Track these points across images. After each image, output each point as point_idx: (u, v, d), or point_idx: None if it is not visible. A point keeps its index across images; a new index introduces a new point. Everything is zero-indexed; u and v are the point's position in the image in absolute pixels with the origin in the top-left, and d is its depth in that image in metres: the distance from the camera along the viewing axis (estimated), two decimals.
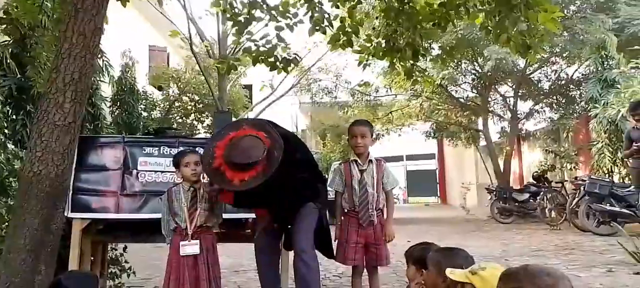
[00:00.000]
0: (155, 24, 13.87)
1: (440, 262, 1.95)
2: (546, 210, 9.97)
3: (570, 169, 11.52)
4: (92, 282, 1.85)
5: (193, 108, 13.69)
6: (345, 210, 3.35)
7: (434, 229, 9.89)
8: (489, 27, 4.66)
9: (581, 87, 11.76)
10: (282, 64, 5.29)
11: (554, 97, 13.07)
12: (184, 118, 13.47)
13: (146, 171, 3.38)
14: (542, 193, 10.22)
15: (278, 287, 3.22)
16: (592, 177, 8.57)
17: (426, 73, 6.88)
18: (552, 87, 13.01)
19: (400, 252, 6.03)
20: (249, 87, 15.65)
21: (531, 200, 10.70)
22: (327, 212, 3.27)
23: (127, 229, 3.59)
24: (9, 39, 6.42)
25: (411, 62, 5.47)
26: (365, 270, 3.36)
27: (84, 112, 3.42)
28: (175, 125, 12.11)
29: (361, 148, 3.29)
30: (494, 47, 9.83)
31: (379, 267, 3.35)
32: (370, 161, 3.33)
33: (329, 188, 3.46)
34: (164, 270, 3.13)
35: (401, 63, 5.46)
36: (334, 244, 3.33)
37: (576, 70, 12.52)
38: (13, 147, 4.34)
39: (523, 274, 1.44)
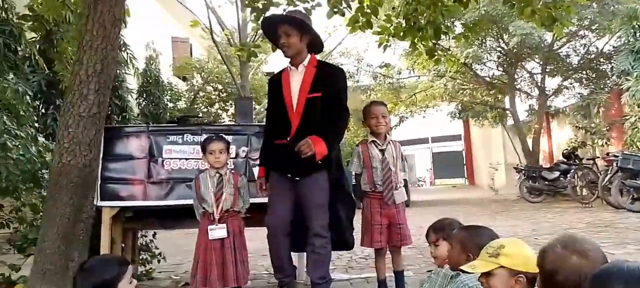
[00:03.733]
0: (177, 15, 14.02)
1: (465, 240, 1.92)
2: (577, 188, 9.72)
3: (602, 145, 11.18)
4: (111, 267, 1.88)
5: (217, 97, 13.84)
6: (366, 192, 3.32)
7: (461, 210, 9.78)
8: (513, 1, 4.53)
9: (612, 60, 11.34)
10: None
11: (584, 72, 12.67)
12: (208, 107, 13.64)
13: (171, 159, 3.44)
14: (572, 170, 9.97)
15: (291, 266, 3.14)
16: (625, 152, 8.31)
17: (449, 52, 6.75)
18: (581, 61, 12.60)
19: None
20: (270, 74, 15.72)
21: (561, 179, 10.46)
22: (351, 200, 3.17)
23: (155, 216, 3.67)
24: (36, 36, 6.58)
25: (433, 41, 5.37)
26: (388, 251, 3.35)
27: (108, 102, 3.50)
28: (200, 115, 12.28)
29: (382, 127, 3.26)
30: (519, 22, 9.56)
31: (402, 247, 3.32)
32: (389, 141, 3.30)
33: (351, 173, 3.45)
34: (193, 255, 3.19)
35: (423, 42, 5.37)
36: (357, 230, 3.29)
37: (606, 43, 12.09)
38: (44, 140, 4.48)
39: (558, 243, 1.39)
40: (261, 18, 5.18)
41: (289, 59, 3.07)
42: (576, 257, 1.32)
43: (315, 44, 3.13)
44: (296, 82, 2.97)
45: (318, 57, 3.19)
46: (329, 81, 2.99)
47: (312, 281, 2.97)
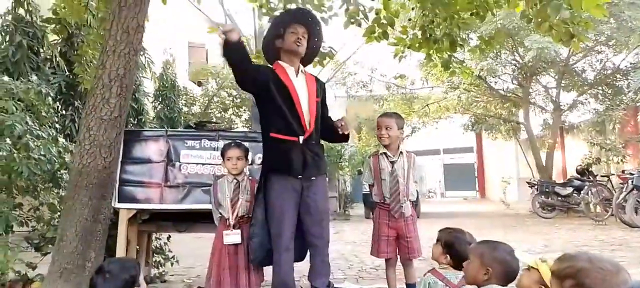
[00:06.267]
0: (194, 21, 14.19)
1: (484, 254, 1.92)
2: (591, 204, 9.62)
3: (617, 163, 11.05)
4: (132, 267, 1.94)
5: (231, 103, 13.94)
6: (377, 203, 3.35)
7: (472, 223, 9.71)
8: (530, 16, 4.52)
9: (629, 77, 11.23)
10: (317, 58, 5.31)
11: (600, 88, 12.55)
12: (222, 113, 13.73)
13: (188, 163, 3.50)
14: (586, 187, 9.86)
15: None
16: None
17: (464, 64, 6.74)
18: (598, 77, 12.49)
19: None
20: None
21: (575, 195, 10.34)
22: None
23: (171, 219, 3.73)
24: (58, 38, 6.72)
25: (449, 53, 5.38)
26: (399, 262, 3.36)
27: (128, 107, 3.57)
28: (214, 120, 12.38)
29: (385, 139, 3.28)
30: (535, 36, 9.53)
31: (412, 259, 3.33)
32: (401, 153, 3.31)
33: (363, 183, 3.48)
34: (205, 260, 3.24)
35: (438, 54, 5.38)
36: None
37: (624, 59, 11.98)
38: (63, 141, 4.57)
39: (581, 256, 1.42)
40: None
41: (284, 59, 3.06)
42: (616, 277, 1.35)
43: (305, 60, 3.21)
44: (301, 85, 3.00)
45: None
46: (324, 91, 3.20)
47: None
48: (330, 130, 3.09)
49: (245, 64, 2.83)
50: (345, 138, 3.13)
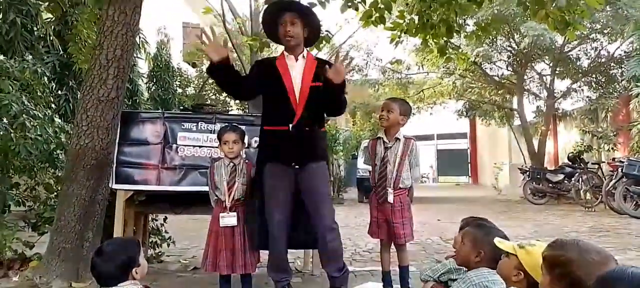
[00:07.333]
0: (189, 1, 14.06)
1: (476, 238, 1.99)
2: (581, 191, 9.75)
3: (608, 150, 11.17)
4: (130, 247, 1.98)
5: None
6: (372, 186, 3.40)
7: (464, 209, 9.82)
8: (527, 3, 4.54)
9: (623, 65, 11.30)
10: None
11: (593, 76, 12.62)
12: (217, 94, 13.68)
13: (185, 146, 3.52)
14: (577, 174, 9.99)
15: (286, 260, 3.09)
16: (631, 158, 8.33)
17: (460, 50, 6.75)
18: (592, 65, 12.55)
19: (430, 230, 6.05)
20: None
21: (566, 182, 10.48)
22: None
23: (167, 201, 3.76)
24: (52, 17, 6.65)
25: (445, 39, 5.39)
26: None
27: (125, 87, 3.57)
28: (209, 102, 12.35)
29: (384, 121, 3.28)
30: (531, 23, 9.54)
31: (399, 244, 3.34)
32: (398, 139, 3.31)
33: (357, 167, 3.51)
34: (201, 241, 3.28)
35: (434, 40, 5.39)
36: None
37: (618, 47, 12.04)
38: (59, 121, 4.56)
39: (572, 245, 1.44)
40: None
41: (285, 48, 3.02)
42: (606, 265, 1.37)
43: (311, 39, 3.16)
44: (297, 71, 2.95)
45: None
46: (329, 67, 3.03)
47: (330, 275, 2.97)
48: (328, 102, 2.97)
49: (231, 85, 2.92)
50: (340, 100, 2.95)
